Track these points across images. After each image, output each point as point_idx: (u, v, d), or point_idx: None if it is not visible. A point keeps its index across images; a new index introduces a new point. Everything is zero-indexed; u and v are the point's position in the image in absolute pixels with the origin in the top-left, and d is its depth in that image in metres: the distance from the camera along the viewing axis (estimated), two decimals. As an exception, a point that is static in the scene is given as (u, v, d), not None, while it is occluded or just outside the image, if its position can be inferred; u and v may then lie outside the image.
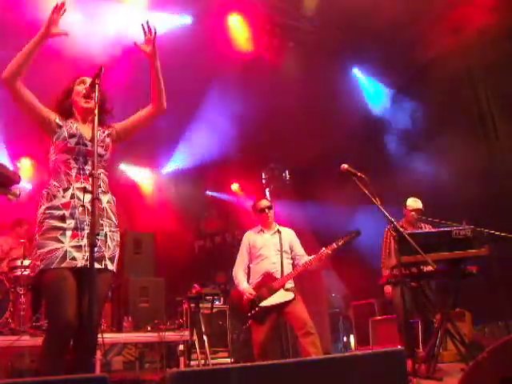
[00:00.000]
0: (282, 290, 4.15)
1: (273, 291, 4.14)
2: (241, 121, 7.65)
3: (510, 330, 5.11)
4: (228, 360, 6.50)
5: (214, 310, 6.38)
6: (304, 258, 4.34)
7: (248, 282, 4.37)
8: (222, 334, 6.74)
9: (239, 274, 4.38)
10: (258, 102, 7.16)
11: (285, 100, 7.14)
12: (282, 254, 4.31)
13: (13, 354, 5.05)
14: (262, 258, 4.33)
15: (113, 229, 2.72)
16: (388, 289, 5.25)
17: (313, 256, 4.20)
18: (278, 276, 4.22)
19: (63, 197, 2.57)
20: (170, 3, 6.19)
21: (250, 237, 4.49)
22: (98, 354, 4.59)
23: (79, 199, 2.58)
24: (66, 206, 2.55)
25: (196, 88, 6.64)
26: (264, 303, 4.14)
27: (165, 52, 3.03)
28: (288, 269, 4.29)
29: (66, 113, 2.81)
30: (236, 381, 1.39)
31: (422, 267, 4.18)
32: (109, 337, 4.96)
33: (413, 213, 5.26)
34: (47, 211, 2.55)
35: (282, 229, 4.51)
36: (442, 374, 4.02)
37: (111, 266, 2.65)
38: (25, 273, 4.85)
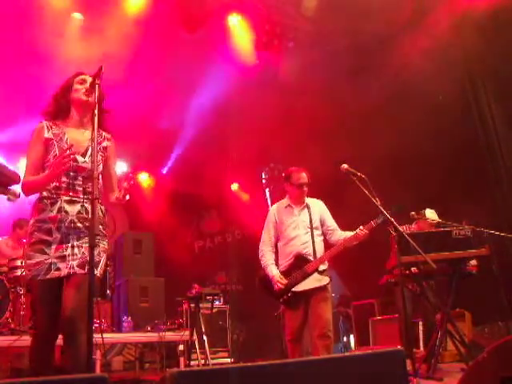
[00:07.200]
0: (315, 274, 3.78)
1: (306, 275, 3.78)
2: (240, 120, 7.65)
3: (510, 330, 5.10)
4: (228, 360, 6.51)
5: (214, 310, 6.39)
6: (336, 232, 3.98)
7: (277, 263, 3.99)
8: (222, 334, 6.75)
9: (267, 254, 3.99)
10: (257, 102, 7.16)
11: (285, 99, 7.14)
12: (312, 232, 3.92)
13: (13, 354, 5.04)
14: (290, 238, 3.93)
15: (98, 237, 2.71)
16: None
17: (349, 235, 3.81)
18: (311, 257, 3.84)
19: (51, 210, 2.64)
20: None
21: (277, 212, 4.07)
22: (98, 354, 4.59)
23: (66, 212, 2.65)
24: (53, 219, 2.63)
25: (194, 88, 6.64)
26: (297, 288, 3.80)
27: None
28: (320, 247, 3.92)
29: (62, 112, 2.78)
30: (236, 381, 1.38)
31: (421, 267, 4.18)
32: (109, 337, 4.96)
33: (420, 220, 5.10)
34: (36, 224, 2.65)
35: (310, 201, 4.08)
36: (442, 374, 4.02)
37: (95, 271, 2.64)
38: (25, 273, 4.85)
